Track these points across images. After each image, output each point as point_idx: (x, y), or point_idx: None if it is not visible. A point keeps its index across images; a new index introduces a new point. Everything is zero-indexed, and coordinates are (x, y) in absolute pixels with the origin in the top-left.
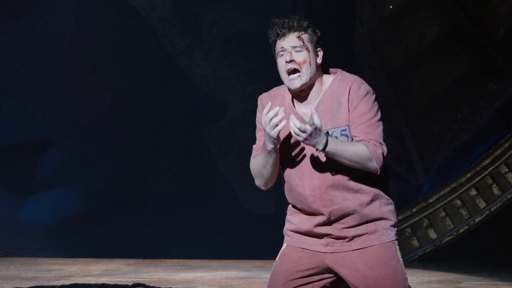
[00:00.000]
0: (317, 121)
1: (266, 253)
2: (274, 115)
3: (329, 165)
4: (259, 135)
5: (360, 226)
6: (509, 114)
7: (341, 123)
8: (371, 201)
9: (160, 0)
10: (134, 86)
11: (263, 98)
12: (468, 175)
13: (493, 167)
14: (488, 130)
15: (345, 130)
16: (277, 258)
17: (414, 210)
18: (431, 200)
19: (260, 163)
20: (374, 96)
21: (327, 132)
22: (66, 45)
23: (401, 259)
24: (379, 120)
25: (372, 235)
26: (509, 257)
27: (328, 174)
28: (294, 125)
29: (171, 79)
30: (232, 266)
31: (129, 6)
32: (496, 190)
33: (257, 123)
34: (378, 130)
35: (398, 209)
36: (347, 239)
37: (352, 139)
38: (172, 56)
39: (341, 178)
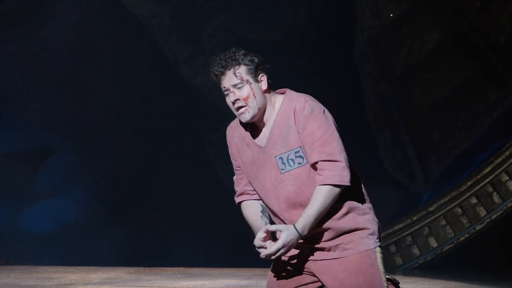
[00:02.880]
0: (280, 243)
1: (266, 261)
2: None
3: (292, 187)
4: (234, 166)
5: (337, 238)
6: (510, 122)
7: (293, 145)
8: (345, 214)
9: (161, 8)
10: (134, 94)
11: (229, 130)
12: (469, 183)
13: (493, 175)
14: (488, 138)
15: (298, 151)
16: (270, 267)
17: (415, 218)
18: (431, 208)
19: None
20: (321, 111)
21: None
22: (66, 53)
23: (381, 267)
24: (332, 133)
25: (348, 244)
26: (510, 265)
27: (292, 197)
28: (275, 258)
29: (171, 87)
30: (232, 274)
31: (129, 14)
32: (496, 198)
33: (229, 153)
34: (332, 145)
35: (398, 217)
36: (325, 249)
37: (307, 159)
38: (172, 63)
39: (306, 199)
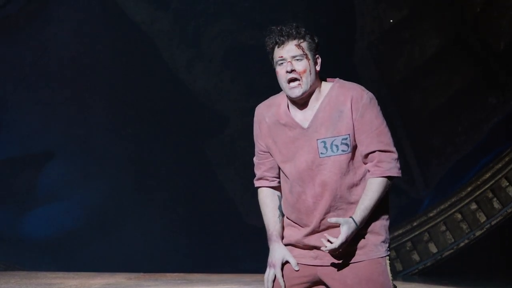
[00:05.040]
0: (343, 236)
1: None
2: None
3: (328, 173)
4: (256, 150)
5: (350, 240)
6: (510, 128)
7: (342, 131)
8: None
9: (161, 14)
10: (134, 99)
11: (259, 110)
12: (469, 189)
13: (493, 181)
14: (488, 143)
15: (346, 139)
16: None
17: (415, 224)
18: (431, 214)
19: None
20: (377, 101)
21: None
22: (66, 58)
23: (390, 275)
24: (386, 124)
25: (361, 250)
26: (510, 270)
27: (327, 182)
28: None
29: (172, 93)
30: (232, 280)
31: (130, 20)
32: (496, 204)
33: (254, 136)
34: (388, 136)
35: (398, 223)
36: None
37: (354, 148)
38: (172, 69)
39: (339, 186)
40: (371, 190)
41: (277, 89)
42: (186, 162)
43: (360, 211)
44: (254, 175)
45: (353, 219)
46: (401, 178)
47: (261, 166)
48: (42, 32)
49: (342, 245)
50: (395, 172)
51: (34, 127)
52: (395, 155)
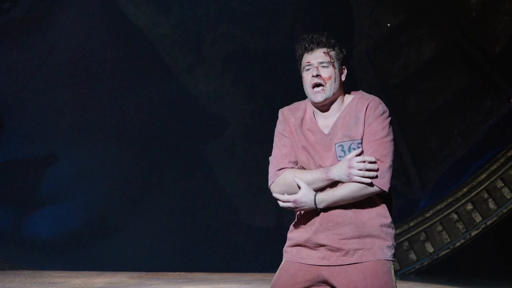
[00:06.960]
0: (292, 197)
1: (266, 266)
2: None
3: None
4: (280, 144)
5: (357, 240)
6: (505, 130)
7: (357, 136)
8: (371, 218)
9: (163, 18)
10: (136, 102)
11: (284, 111)
12: (465, 189)
13: (489, 181)
14: (484, 145)
15: (361, 143)
16: (276, 273)
17: (412, 224)
18: (428, 214)
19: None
20: (389, 118)
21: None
22: (70, 62)
23: (393, 277)
24: (391, 140)
25: (368, 251)
26: (505, 270)
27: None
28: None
29: (173, 96)
30: (233, 279)
31: (132, 24)
32: (492, 205)
33: (277, 133)
34: (387, 150)
35: (396, 223)
36: (343, 252)
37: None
38: (174, 73)
39: None
40: (347, 184)
41: (276, 92)
42: (187, 164)
43: (326, 192)
44: (256, 176)
45: (315, 194)
46: (398, 179)
47: (287, 157)
48: (46, 36)
49: (287, 202)
50: (379, 182)
51: (38, 129)
52: (386, 166)
